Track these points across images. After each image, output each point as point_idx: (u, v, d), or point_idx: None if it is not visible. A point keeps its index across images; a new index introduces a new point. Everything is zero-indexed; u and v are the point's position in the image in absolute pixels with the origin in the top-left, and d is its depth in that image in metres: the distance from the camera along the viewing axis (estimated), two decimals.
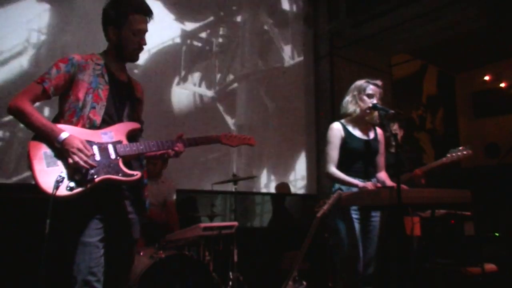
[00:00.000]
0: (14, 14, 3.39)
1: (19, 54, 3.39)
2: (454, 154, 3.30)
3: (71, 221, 1.74)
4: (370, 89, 2.65)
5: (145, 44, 1.96)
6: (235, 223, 3.27)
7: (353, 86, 2.75)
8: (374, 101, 2.61)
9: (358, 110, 2.66)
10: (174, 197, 3.73)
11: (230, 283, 3.33)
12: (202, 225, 2.99)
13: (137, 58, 2.01)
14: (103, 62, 1.93)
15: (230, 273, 3.38)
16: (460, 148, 3.31)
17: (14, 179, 3.18)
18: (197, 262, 2.99)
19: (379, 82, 2.70)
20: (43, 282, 1.57)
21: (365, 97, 2.65)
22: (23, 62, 3.39)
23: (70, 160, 1.65)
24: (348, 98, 2.74)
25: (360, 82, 2.71)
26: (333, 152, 2.66)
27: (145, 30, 1.94)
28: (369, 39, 5.69)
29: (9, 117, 3.10)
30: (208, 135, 2.10)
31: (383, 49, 6.31)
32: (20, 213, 3.06)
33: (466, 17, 5.20)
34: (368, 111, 2.64)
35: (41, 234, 1.58)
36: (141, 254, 2.85)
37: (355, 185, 2.52)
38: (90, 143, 1.75)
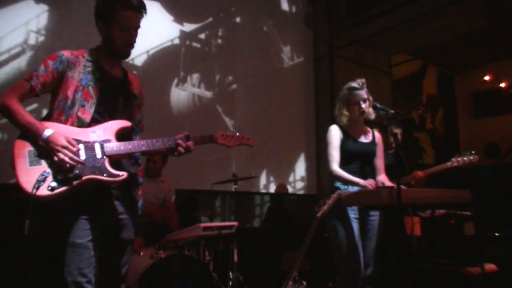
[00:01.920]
0: (12, 15, 3.39)
1: (17, 55, 3.39)
2: (459, 159, 3.24)
3: (58, 222, 1.70)
4: (353, 96, 2.68)
5: (133, 41, 1.88)
6: (235, 223, 3.27)
7: (339, 96, 2.80)
8: (362, 105, 2.65)
9: (345, 120, 2.72)
10: (174, 197, 3.74)
11: (230, 283, 3.33)
12: (202, 225, 2.99)
13: (126, 55, 1.91)
14: (94, 58, 1.86)
15: (230, 273, 3.38)
16: (467, 153, 3.27)
17: (13, 180, 3.18)
18: (197, 262, 2.99)
19: (358, 84, 2.71)
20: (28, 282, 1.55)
21: (351, 105, 2.70)
22: (21, 64, 3.39)
23: (55, 158, 1.60)
24: (336, 110, 2.80)
25: (343, 92, 2.76)
26: (335, 151, 2.68)
27: (135, 26, 1.85)
28: (369, 39, 5.70)
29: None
30: (202, 135, 1.99)
31: (383, 49, 6.31)
32: (20, 213, 3.06)
33: (466, 17, 5.21)
34: (359, 115, 2.67)
35: (36, 234, 1.56)
36: (141, 254, 2.85)
37: (357, 183, 2.52)
38: (77, 141, 1.69)
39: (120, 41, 1.84)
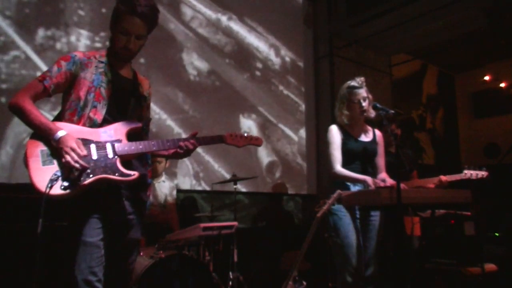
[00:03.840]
0: None
1: None
2: (472, 172, 3.22)
3: (70, 221, 1.72)
4: (353, 95, 2.66)
5: (131, 47, 1.84)
6: (235, 223, 3.27)
7: (338, 95, 2.78)
8: (363, 103, 2.64)
9: (346, 119, 2.69)
10: (175, 197, 3.74)
11: (230, 283, 3.33)
12: (202, 225, 2.99)
13: (124, 58, 1.91)
14: (106, 59, 1.89)
15: (230, 273, 3.38)
16: (476, 167, 3.23)
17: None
18: (197, 262, 2.99)
19: (358, 82, 2.69)
20: (37, 281, 1.56)
21: (351, 104, 2.68)
22: None
23: (63, 159, 1.63)
24: (336, 110, 2.78)
25: (343, 91, 2.74)
26: (336, 151, 2.66)
27: (136, 33, 1.83)
28: (369, 39, 5.70)
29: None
30: (212, 135, 2.03)
31: (383, 49, 6.31)
32: (23, 213, 3.06)
33: (466, 17, 5.20)
34: (360, 114, 2.66)
35: (43, 234, 1.57)
36: (141, 254, 2.85)
37: (363, 180, 2.51)
38: (88, 141, 1.72)
39: (118, 42, 1.85)
